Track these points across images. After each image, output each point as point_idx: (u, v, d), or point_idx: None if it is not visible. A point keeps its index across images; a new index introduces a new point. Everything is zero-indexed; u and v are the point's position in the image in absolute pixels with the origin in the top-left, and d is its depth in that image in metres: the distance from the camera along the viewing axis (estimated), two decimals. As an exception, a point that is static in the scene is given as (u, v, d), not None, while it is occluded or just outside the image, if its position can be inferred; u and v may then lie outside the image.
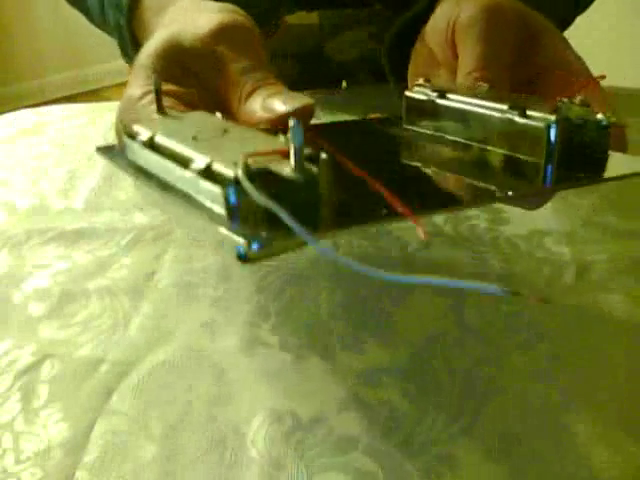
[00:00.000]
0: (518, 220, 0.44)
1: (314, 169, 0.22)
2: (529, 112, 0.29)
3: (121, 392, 0.35)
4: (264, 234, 0.22)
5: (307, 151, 0.22)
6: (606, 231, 0.43)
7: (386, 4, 0.51)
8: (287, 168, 0.22)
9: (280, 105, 0.30)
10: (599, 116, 0.29)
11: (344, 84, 0.57)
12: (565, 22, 0.55)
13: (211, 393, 0.35)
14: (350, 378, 0.35)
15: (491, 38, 0.35)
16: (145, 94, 0.31)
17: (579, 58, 0.38)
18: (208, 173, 0.23)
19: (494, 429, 0.33)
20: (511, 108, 0.30)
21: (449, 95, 0.34)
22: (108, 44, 0.45)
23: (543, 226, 0.44)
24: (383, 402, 0.34)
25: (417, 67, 0.41)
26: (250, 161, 0.22)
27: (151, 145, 0.26)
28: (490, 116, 0.31)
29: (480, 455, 0.32)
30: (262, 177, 0.22)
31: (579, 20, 0.61)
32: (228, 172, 0.22)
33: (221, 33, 0.32)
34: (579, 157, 0.29)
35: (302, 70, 0.56)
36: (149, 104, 0.30)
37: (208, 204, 0.23)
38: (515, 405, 0.34)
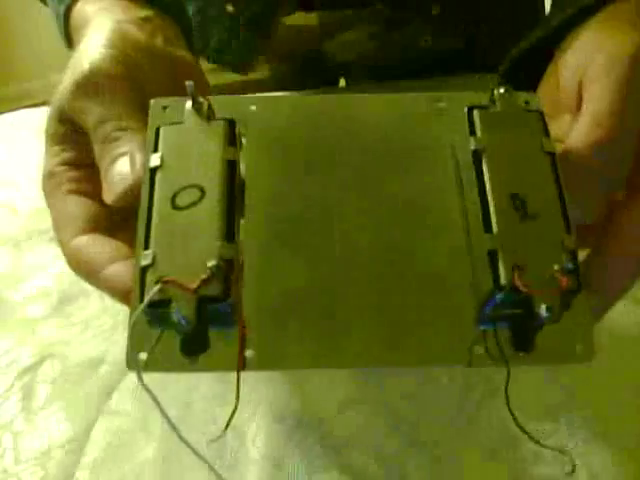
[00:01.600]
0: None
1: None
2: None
3: (121, 392, 0.35)
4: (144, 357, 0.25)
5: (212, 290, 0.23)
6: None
7: (387, 3, 0.51)
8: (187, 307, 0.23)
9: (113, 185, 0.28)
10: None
11: (342, 82, 0.57)
12: None
13: (211, 393, 0.35)
14: (350, 378, 0.35)
15: (629, 89, 0.26)
16: (55, 169, 0.30)
17: None
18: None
19: (494, 429, 0.33)
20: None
21: None
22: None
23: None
24: (383, 402, 0.34)
25: (544, 96, 0.31)
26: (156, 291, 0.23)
27: None
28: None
29: (480, 455, 0.32)
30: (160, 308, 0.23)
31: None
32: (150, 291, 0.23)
33: (79, 87, 0.30)
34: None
35: (301, 70, 0.56)
36: (62, 182, 0.30)
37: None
38: (515, 405, 0.34)
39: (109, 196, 0.28)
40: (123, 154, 0.28)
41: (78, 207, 0.29)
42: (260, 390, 0.35)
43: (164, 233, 0.24)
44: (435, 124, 0.28)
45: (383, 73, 0.53)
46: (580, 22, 0.31)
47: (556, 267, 0.23)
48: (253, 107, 0.29)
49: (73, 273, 0.40)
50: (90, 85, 0.30)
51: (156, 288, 0.23)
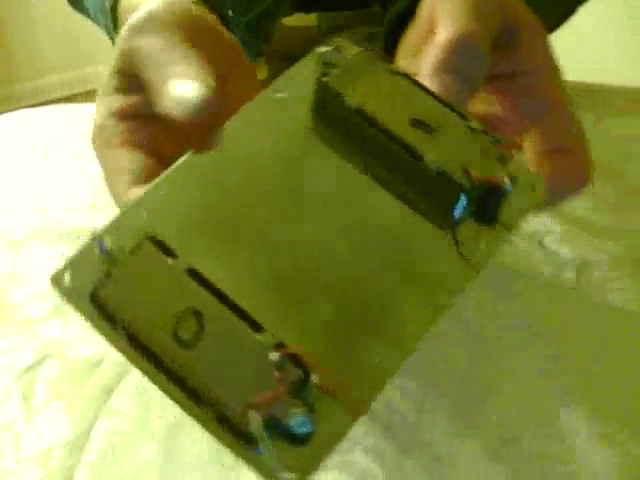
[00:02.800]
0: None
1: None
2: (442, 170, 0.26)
3: (121, 392, 0.35)
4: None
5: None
6: (606, 231, 0.43)
7: (384, 5, 0.51)
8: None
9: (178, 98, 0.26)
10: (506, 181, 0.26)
11: None
12: (569, 12, 0.50)
13: (211, 393, 0.35)
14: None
15: (474, 15, 0.30)
16: (107, 122, 0.30)
17: (555, 70, 0.32)
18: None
19: (494, 429, 0.33)
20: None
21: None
22: (108, 44, 0.45)
23: (543, 226, 0.44)
24: (383, 402, 0.34)
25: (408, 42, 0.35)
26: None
27: None
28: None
29: (480, 455, 0.32)
30: None
31: (581, 19, 0.61)
32: None
33: (138, 28, 0.29)
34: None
35: None
36: (113, 133, 0.30)
37: None
38: (515, 405, 0.34)
39: (163, 104, 0.27)
40: (185, 74, 0.27)
41: (131, 160, 0.29)
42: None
43: None
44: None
45: None
46: None
47: (485, 142, 0.26)
48: None
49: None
50: (147, 23, 0.29)
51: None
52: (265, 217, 0.26)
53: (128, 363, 0.36)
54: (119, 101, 0.30)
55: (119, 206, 0.29)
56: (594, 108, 0.50)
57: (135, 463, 0.33)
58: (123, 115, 0.30)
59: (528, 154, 0.31)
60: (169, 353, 0.23)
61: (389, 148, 0.27)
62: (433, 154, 0.26)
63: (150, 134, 0.29)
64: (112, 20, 0.38)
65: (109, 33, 0.40)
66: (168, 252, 0.24)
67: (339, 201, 0.27)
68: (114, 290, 0.23)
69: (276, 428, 0.22)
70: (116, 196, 0.29)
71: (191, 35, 0.30)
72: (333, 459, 0.32)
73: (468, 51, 0.28)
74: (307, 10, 0.54)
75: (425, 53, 0.29)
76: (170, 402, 0.35)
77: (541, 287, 0.40)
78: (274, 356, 0.22)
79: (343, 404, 0.23)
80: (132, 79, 0.30)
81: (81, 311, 0.24)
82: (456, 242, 0.26)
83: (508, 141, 0.28)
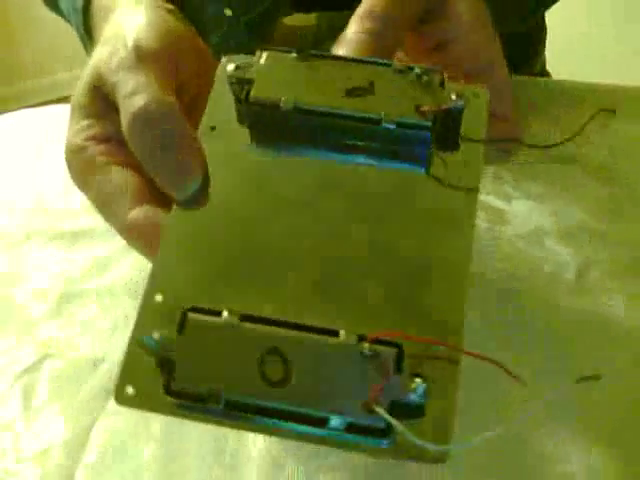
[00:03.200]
0: (518, 220, 0.44)
1: None
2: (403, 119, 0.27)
3: (121, 392, 0.35)
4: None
5: None
6: (606, 231, 0.43)
7: None
8: None
9: None
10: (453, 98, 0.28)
11: None
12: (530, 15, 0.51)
13: (211, 393, 0.35)
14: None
15: None
16: (85, 144, 0.29)
17: (489, 38, 0.34)
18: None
19: (494, 429, 0.33)
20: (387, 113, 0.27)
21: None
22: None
23: (543, 226, 0.44)
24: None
25: None
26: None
27: None
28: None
29: (480, 455, 0.32)
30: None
31: (581, 19, 0.61)
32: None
33: (123, 65, 0.29)
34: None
35: None
36: (94, 155, 0.29)
37: None
38: (515, 405, 0.34)
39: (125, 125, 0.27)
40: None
41: (125, 178, 0.28)
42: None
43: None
44: None
45: None
46: None
47: (418, 76, 0.28)
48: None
49: (73, 273, 0.40)
50: (132, 62, 0.29)
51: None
52: (271, 238, 0.26)
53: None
54: (95, 126, 0.30)
55: (121, 229, 0.28)
56: (594, 108, 0.49)
57: (135, 463, 0.33)
58: (100, 138, 0.30)
59: None
60: (271, 399, 0.23)
61: (344, 127, 0.28)
62: (384, 111, 0.27)
63: (129, 153, 0.28)
64: (83, 20, 0.38)
65: (79, 32, 0.39)
66: (213, 313, 0.24)
67: (329, 194, 0.27)
68: (185, 373, 0.23)
69: (401, 409, 0.22)
70: (116, 218, 0.28)
71: (174, 68, 0.30)
72: (333, 459, 0.32)
73: (376, 18, 0.30)
74: (307, 10, 0.53)
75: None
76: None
77: (541, 287, 0.40)
78: (364, 348, 0.23)
79: (441, 357, 0.24)
80: (106, 102, 0.30)
81: (162, 412, 0.23)
82: (438, 179, 0.27)
83: (436, 67, 0.29)
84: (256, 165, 0.28)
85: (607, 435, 0.33)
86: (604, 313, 0.38)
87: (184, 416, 0.23)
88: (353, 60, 0.29)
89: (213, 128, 0.28)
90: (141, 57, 0.29)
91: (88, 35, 0.38)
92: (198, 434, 0.33)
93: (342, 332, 0.23)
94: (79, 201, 0.48)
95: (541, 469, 0.32)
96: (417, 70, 0.28)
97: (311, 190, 0.27)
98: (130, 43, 0.29)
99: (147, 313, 0.24)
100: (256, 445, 0.33)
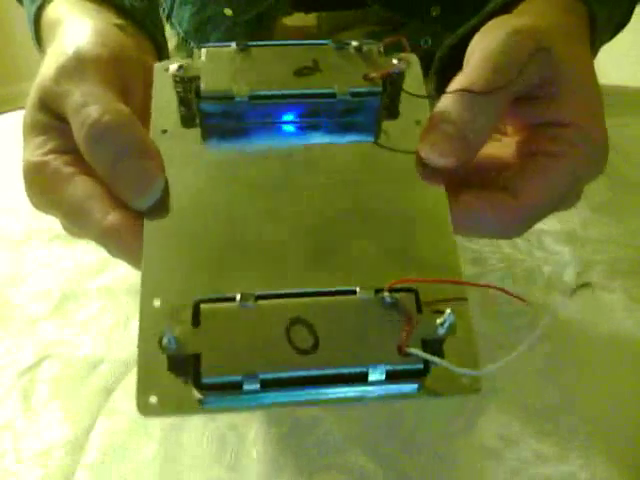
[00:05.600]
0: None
1: None
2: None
3: (121, 392, 0.35)
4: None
5: None
6: (606, 231, 0.43)
7: (385, 4, 0.51)
8: None
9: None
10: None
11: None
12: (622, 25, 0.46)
13: (211, 393, 0.35)
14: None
15: (500, 59, 0.28)
16: (44, 159, 0.29)
17: (594, 128, 0.30)
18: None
19: (494, 429, 0.33)
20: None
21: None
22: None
23: (543, 226, 0.44)
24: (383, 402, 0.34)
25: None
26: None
27: None
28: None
29: (480, 455, 0.32)
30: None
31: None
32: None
33: (65, 72, 0.28)
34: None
35: None
36: (58, 167, 0.28)
37: None
38: (515, 405, 0.34)
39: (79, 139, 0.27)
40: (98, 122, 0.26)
41: (94, 185, 0.27)
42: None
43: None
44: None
45: None
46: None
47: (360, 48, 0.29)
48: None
49: (73, 273, 0.40)
50: (74, 68, 0.28)
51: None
52: (253, 223, 0.26)
53: (128, 363, 0.37)
54: (51, 140, 0.29)
55: (99, 235, 0.27)
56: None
57: (135, 463, 0.33)
58: (57, 152, 0.29)
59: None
60: (308, 366, 0.23)
61: (299, 107, 0.29)
62: (336, 85, 0.28)
63: (89, 166, 0.28)
64: (34, 30, 0.37)
65: (34, 40, 0.39)
66: (225, 299, 0.24)
67: (298, 173, 0.28)
68: (213, 363, 0.23)
69: (433, 345, 0.23)
70: (91, 226, 0.27)
71: (116, 75, 0.29)
72: (333, 459, 0.32)
73: (468, 104, 0.28)
74: (307, 10, 0.53)
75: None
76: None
77: (541, 287, 0.40)
78: (385, 297, 0.24)
79: (450, 296, 0.25)
80: (56, 117, 0.29)
81: (193, 411, 0.23)
82: (387, 147, 0.29)
83: (371, 40, 0.30)
84: (218, 158, 0.28)
85: (607, 434, 0.33)
86: (604, 313, 0.38)
87: (218, 410, 0.24)
88: (291, 44, 0.30)
89: (165, 131, 0.28)
90: (82, 63, 0.28)
91: (39, 46, 0.37)
92: (198, 434, 0.33)
93: (358, 289, 0.24)
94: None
95: (541, 469, 0.32)
96: (354, 43, 0.30)
97: (279, 173, 0.28)
98: (71, 50, 0.29)
99: (149, 320, 0.24)
100: (256, 445, 0.33)
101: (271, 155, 0.28)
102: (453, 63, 0.33)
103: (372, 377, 0.23)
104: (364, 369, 0.23)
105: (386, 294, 0.24)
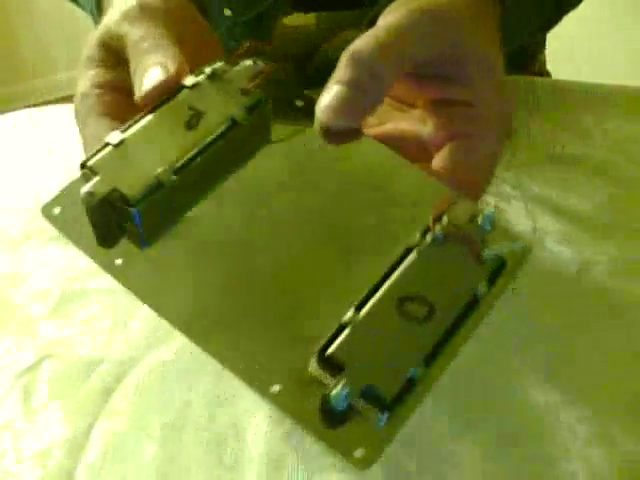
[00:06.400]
0: (518, 220, 0.44)
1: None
2: None
3: (121, 392, 0.35)
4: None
5: None
6: (606, 231, 0.43)
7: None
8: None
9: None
10: None
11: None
12: (552, 21, 0.50)
13: (211, 393, 0.35)
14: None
15: (404, 33, 0.31)
16: (89, 91, 0.32)
17: (500, 105, 0.33)
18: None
19: (494, 429, 0.33)
20: None
21: None
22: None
23: (543, 226, 0.44)
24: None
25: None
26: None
27: None
28: None
29: (480, 455, 0.32)
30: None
31: (581, 19, 0.61)
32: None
33: (128, 16, 0.32)
34: None
35: (300, 70, 0.56)
36: (93, 105, 0.31)
37: None
38: (515, 405, 0.34)
39: (137, 94, 0.29)
40: (156, 64, 0.30)
41: (109, 129, 0.30)
42: (260, 390, 0.35)
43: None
44: None
45: None
46: None
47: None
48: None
49: (73, 273, 0.40)
50: (136, 15, 0.32)
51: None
52: (264, 271, 0.27)
53: (128, 363, 0.37)
54: (103, 74, 0.32)
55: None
56: (594, 108, 0.49)
57: (135, 463, 0.33)
58: (107, 87, 0.32)
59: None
60: (439, 331, 0.26)
61: (214, 155, 0.29)
62: (229, 113, 0.29)
63: (129, 108, 0.30)
64: (97, 5, 0.40)
65: (94, 18, 0.42)
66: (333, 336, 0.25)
67: (260, 205, 0.29)
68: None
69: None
70: None
71: (175, 26, 0.32)
72: (333, 459, 0.32)
73: (361, 65, 0.30)
74: (306, 10, 0.54)
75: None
76: (170, 402, 0.35)
77: (541, 287, 0.40)
78: (438, 230, 0.26)
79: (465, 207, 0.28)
80: (115, 55, 0.32)
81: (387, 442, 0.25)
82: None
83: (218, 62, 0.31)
84: (171, 251, 0.28)
85: (607, 433, 0.33)
86: (604, 313, 0.38)
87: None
88: (153, 110, 0.29)
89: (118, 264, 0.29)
90: (145, 10, 0.32)
91: (99, 13, 0.41)
92: (198, 434, 0.33)
93: (412, 247, 0.26)
94: (79, 201, 0.48)
95: (541, 469, 0.32)
96: (207, 71, 0.30)
97: (246, 215, 0.28)
98: (136, 1, 0.32)
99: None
100: (256, 445, 0.33)
101: (224, 208, 0.29)
102: None
103: (479, 292, 0.26)
104: (473, 295, 0.26)
105: (437, 226, 0.26)
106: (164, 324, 0.38)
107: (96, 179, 0.26)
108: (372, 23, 0.37)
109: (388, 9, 0.34)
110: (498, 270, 0.27)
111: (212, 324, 0.26)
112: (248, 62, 0.30)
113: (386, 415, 0.24)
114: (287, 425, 0.33)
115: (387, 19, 0.32)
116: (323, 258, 0.27)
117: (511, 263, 0.27)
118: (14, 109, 0.59)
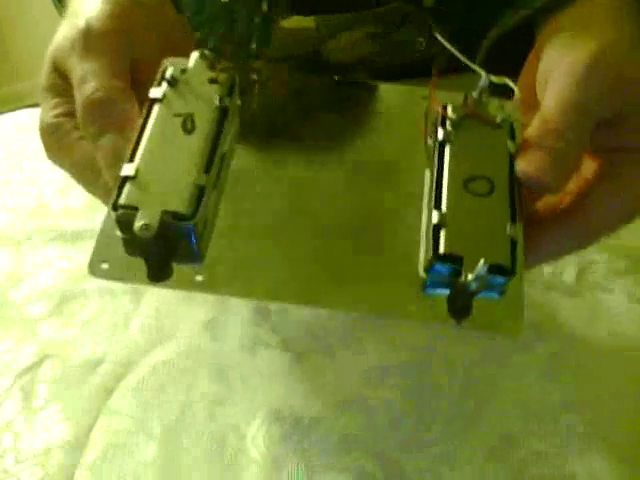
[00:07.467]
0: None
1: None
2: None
3: (121, 392, 0.35)
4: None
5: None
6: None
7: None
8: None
9: None
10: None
11: (335, 79, 0.57)
12: None
13: (211, 393, 0.35)
14: (350, 378, 0.35)
15: (586, 90, 0.29)
16: (57, 121, 0.31)
17: None
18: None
19: (494, 429, 0.33)
20: None
21: None
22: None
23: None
24: (383, 402, 0.34)
25: (525, 82, 0.34)
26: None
27: None
28: None
29: (480, 455, 0.32)
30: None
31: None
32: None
33: (74, 49, 0.30)
34: None
35: (300, 72, 0.56)
36: (68, 131, 0.30)
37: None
38: (515, 405, 0.34)
39: (103, 174, 0.29)
40: (103, 131, 0.29)
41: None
42: (260, 390, 0.35)
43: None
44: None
45: (383, 74, 0.53)
46: (561, 6, 0.33)
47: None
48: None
49: (73, 273, 0.40)
50: (83, 44, 0.30)
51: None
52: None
53: (128, 363, 0.37)
54: (66, 102, 0.31)
55: (103, 194, 0.29)
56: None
57: (135, 463, 0.33)
58: (72, 114, 0.31)
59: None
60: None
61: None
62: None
63: None
64: None
65: (57, 10, 0.41)
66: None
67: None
68: None
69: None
70: (100, 185, 0.30)
71: (127, 45, 0.31)
72: (333, 459, 0.32)
73: (565, 137, 0.28)
74: (305, 13, 0.53)
75: (536, 122, 0.29)
76: (170, 402, 0.35)
77: (541, 287, 0.40)
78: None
79: None
80: (68, 81, 0.31)
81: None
82: None
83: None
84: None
85: (607, 434, 0.33)
86: (604, 314, 0.38)
87: None
88: (141, 131, 0.28)
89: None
90: (91, 39, 0.30)
91: (61, 4, 0.39)
92: (198, 434, 0.33)
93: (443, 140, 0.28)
94: (79, 201, 0.48)
95: (541, 469, 0.32)
96: (169, 73, 0.29)
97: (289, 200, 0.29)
98: (82, 23, 0.31)
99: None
100: (256, 445, 0.33)
101: (275, 194, 0.29)
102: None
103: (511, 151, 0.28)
104: (509, 157, 0.28)
105: (449, 114, 0.28)
106: (164, 324, 0.38)
107: (140, 213, 0.25)
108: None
109: (551, 57, 0.31)
110: (512, 129, 0.29)
111: (322, 281, 0.27)
112: (195, 54, 0.30)
113: (508, 278, 0.25)
114: (287, 425, 0.33)
115: (561, 83, 0.29)
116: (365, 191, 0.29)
117: (515, 119, 0.29)
118: (14, 109, 0.59)
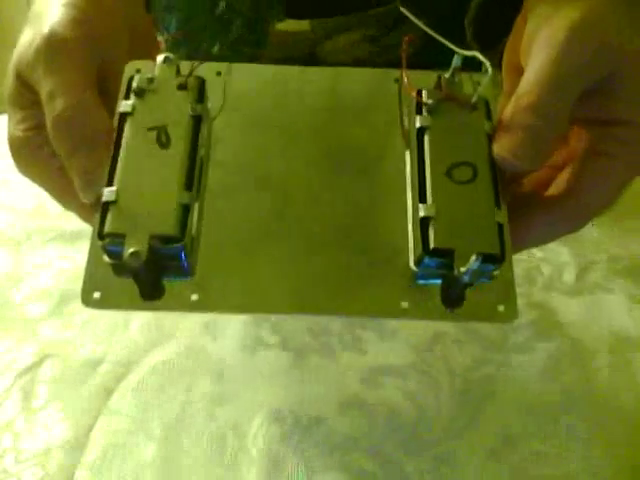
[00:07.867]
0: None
1: None
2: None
3: (121, 392, 0.35)
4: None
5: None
6: (606, 232, 0.43)
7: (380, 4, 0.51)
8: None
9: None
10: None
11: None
12: None
13: (211, 393, 0.35)
14: (350, 378, 0.35)
15: (565, 61, 0.28)
16: (26, 135, 0.30)
17: None
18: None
19: (494, 429, 0.33)
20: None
21: None
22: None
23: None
24: (383, 402, 0.34)
25: (510, 61, 0.33)
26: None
27: None
28: None
29: (480, 455, 0.32)
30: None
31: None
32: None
33: (36, 55, 0.29)
34: None
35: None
36: (39, 145, 0.29)
37: None
38: (515, 405, 0.34)
39: (80, 197, 0.28)
40: (76, 150, 0.28)
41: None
42: (260, 390, 0.35)
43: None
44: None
45: None
46: None
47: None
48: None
49: (73, 273, 0.40)
50: (48, 55, 0.29)
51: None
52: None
53: (128, 363, 0.37)
54: (34, 115, 0.30)
55: (78, 210, 0.29)
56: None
57: (134, 463, 0.33)
58: (41, 127, 0.29)
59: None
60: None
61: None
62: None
63: None
64: None
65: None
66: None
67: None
68: None
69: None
70: (65, 202, 0.29)
71: (91, 51, 0.29)
72: (333, 459, 0.32)
73: (541, 113, 0.27)
74: (300, 17, 0.53)
75: (512, 99, 0.28)
76: (170, 402, 0.35)
77: (541, 287, 0.40)
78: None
79: None
80: (34, 92, 0.30)
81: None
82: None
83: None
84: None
85: (607, 434, 0.33)
86: (604, 314, 0.38)
87: None
88: (116, 148, 0.28)
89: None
90: (56, 49, 0.29)
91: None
92: (198, 434, 0.33)
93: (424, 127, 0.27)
94: (79, 201, 0.48)
95: (541, 469, 0.32)
96: (136, 83, 0.28)
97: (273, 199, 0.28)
98: (46, 30, 0.29)
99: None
100: (256, 445, 0.33)
101: (256, 203, 0.28)
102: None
103: (490, 131, 0.28)
104: (488, 137, 0.27)
105: (424, 99, 0.28)
106: (164, 324, 0.38)
107: (127, 239, 0.24)
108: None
109: (536, 24, 0.30)
110: (488, 108, 0.28)
111: (315, 287, 0.26)
112: (160, 59, 0.28)
113: (498, 266, 0.25)
114: (287, 425, 0.33)
115: (544, 50, 0.29)
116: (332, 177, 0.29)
117: (489, 95, 0.29)
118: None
